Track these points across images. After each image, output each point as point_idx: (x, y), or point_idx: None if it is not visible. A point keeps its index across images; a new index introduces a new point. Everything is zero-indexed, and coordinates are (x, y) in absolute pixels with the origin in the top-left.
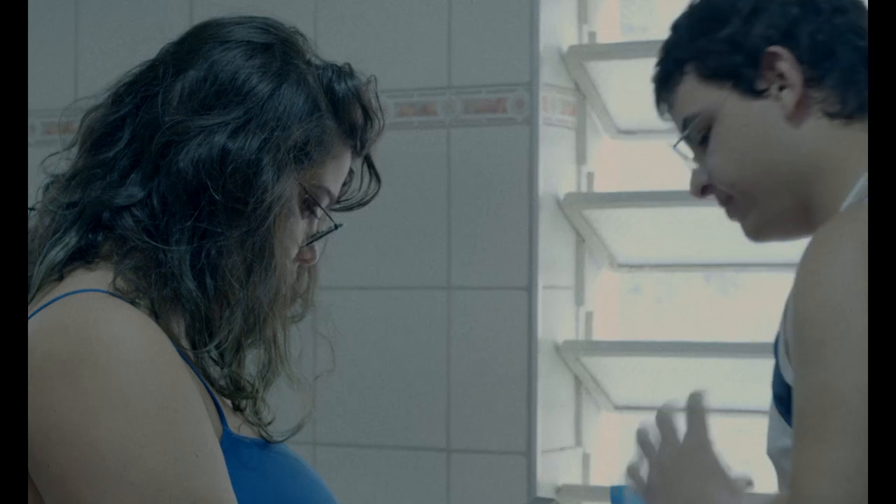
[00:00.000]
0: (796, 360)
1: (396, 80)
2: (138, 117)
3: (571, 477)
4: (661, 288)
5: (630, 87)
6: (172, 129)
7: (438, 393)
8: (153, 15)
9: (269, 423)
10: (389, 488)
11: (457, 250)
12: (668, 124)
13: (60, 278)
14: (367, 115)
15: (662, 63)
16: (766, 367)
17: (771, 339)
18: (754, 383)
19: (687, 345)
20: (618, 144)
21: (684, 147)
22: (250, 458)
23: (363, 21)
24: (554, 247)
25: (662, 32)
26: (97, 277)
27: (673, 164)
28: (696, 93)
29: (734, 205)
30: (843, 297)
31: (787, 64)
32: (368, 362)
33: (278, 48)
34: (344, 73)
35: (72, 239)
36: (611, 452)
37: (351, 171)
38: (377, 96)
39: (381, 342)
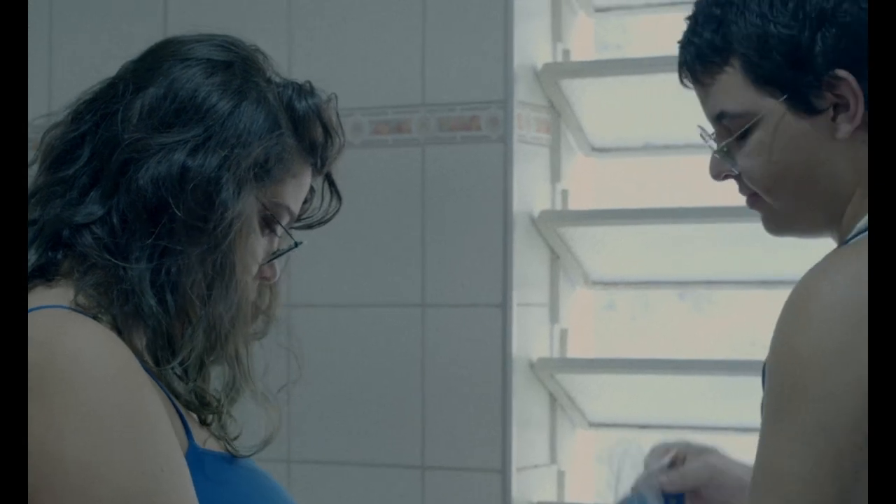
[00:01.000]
0: (762, 420)
1: (371, 97)
2: (98, 135)
3: (546, 494)
4: (636, 305)
5: (604, 104)
6: (132, 147)
7: (413, 410)
8: (126, 28)
9: (236, 438)
10: None
11: (431, 268)
12: (642, 142)
13: None
14: (328, 132)
15: (701, 38)
16: (740, 384)
17: (745, 356)
18: (729, 400)
19: (662, 362)
20: (592, 162)
21: (706, 134)
22: (216, 472)
23: (337, 38)
24: (528, 264)
25: (636, 50)
26: (57, 294)
27: (646, 182)
28: (741, 92)
29: (760, 202)
30: (807, 369)
31: (849, 89)
32: (343, 379)
33: (238, 66)
34: (304, 90)
35: (31, 257)
36: (586, 470)
37: (312, 190)
38: (338, 114)
39: (355, 359)
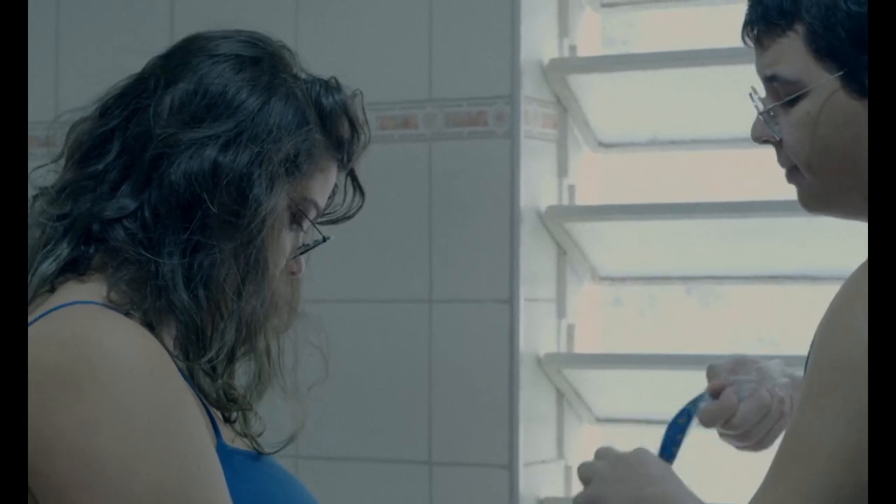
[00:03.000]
0: (801, 392)
1: (377, 93)
2: (128, 130)
3: (553, 490)
4: (643, 300)
5: (611, 100)
6: (164, 142)
7: (420, 406)
8: (134, 29)
9: (260, 435)
10: (372, 501)
11: (438, 263)
12: (649, 137)
13: (52, 290)
14: (354, 128)
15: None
16: None
17: (752, 351)
18: None
19: (669, 357)
20: (599, 157)
21: (757, 97)
22: (244, 469)
23: (344, 34)
24: (535, 260)
25: (643, 46)
26: (90, 289)
27: (653, 177)
28: (799, 59)
29: (798, 176)
30: (856, 361)
31: None
32: (350, 375)
33: (266, 62)
34: (331, 86)
35: (63, 251)
36: None
37: (335, 185)
38: (363, 110)
39: (362, 355)
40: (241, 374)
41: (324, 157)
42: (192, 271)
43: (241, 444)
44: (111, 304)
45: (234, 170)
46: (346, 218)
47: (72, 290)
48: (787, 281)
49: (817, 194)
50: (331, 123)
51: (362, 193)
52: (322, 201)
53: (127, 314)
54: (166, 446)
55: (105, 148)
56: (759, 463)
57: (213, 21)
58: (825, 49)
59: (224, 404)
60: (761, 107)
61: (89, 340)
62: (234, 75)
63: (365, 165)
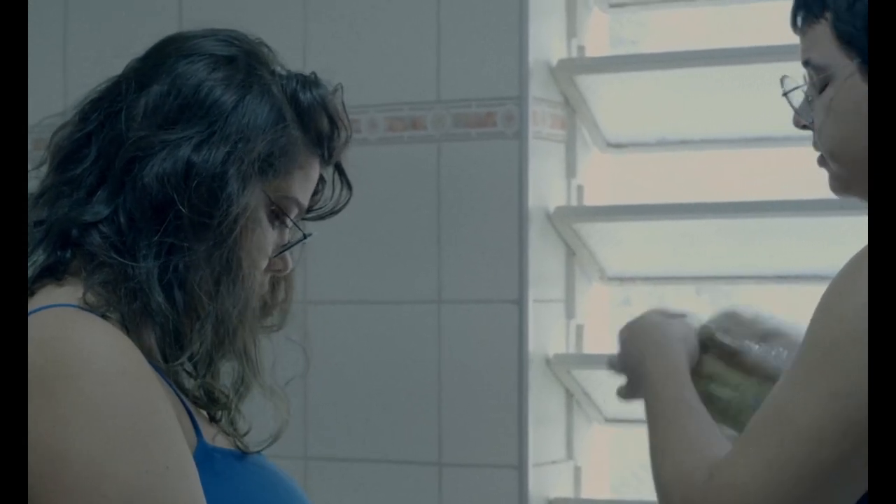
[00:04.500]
0: (794, 364)
1: (386, 94)
2: (103, 134)
3: (563, 490)
4: (652, 301)
5: (619, 100)
6: (136, 145)
7: (429, 407)
8: (142, 30)
9: (245, 434)
10: (381, 502)
11: (447, 264)
12: (657, 137)
13: (31, 294)
14: (334, 123)
15: None
16: None
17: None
18: None
19: None
20: (607, 158)
21: (791, 82)
22: (224, 469)
23: (353, 35)
24: (544, 260)
25: (651, 46)
26: (67, 292)
27: (662, 177)
28: (827, 45)
29: (823, 160)
30: (849, 332)
31: None
32: (360, 376)
33: (242, 60)
34: (309, 81)
35: (40, 257)
36: (602, 465)
37: (322, 180)
38: (344, 104)
39: (372, 356)
40: (225, 374)
41: (302, 153)
42: (166, 273)
43: (224, 443)
44: (86, 307)
45: (206, 170)
46: (333, 213)
47: (49, 294)
48: (797, 281)
49: (839, 179)
50: (309, 119)
51: (349, 187)
52: (304, 198)
53: (103, 316)
54: (138, 448)
55: (82, 153)
56: None
57: (221, 24)
58: (846, 36)
59: (206, 404)
60: (794, 93)
61: (63, 341)
62: (207, 74)
63: (373, 167)
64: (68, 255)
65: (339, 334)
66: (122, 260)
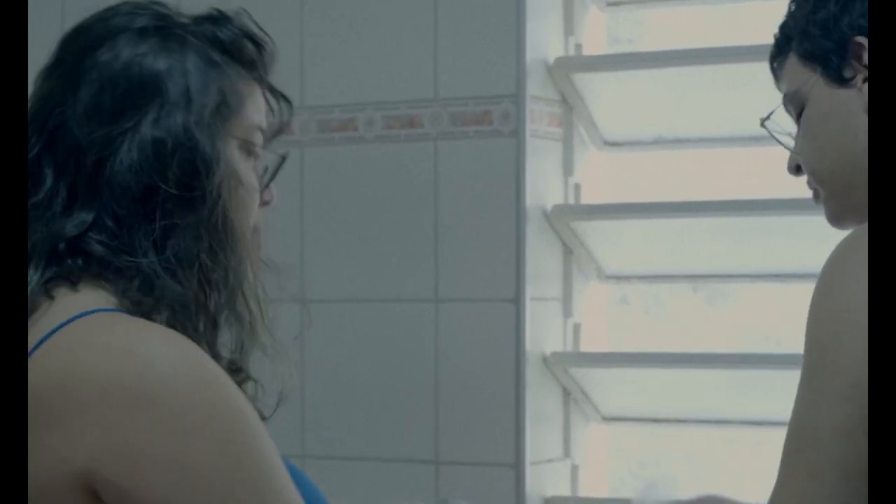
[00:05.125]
0: (801, 371)
1: (383, 92)
2: (54, 151)
3: (560, 489)
4: (649, 299)
5: (617, 98)
6: (96, 146)
7: (426, 405)
8: None
9: (256, 400)
10: (378, 500)
11: (444, 262)
12: (655, 136)
13: (50, 297)
14: (258, 44)
15: (777, 36)
16: (753, 377)
17: (758, 349)
18: (742, 394)
19: (675, 356)
20: (604, 156)
21: (772, 124)
22: None
23: (349, 33)
24: (541, 258)
25: (649, 44)
26: (92, 296)
27: (659, 176)
28: (796, 71)
29: (818, 190)
30: (845, 325)
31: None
32: (357, 375)
33: (151, 26)
34: (219, 19)
35: (34, 276)
36: (599, 464)
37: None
38: (255, 22)
39: (368, 354)
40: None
41: (243, 83)
42: (168, 257)
43: None
44: (122, 309)
45: (173, 140)
46: (283, 128)
47: (81, 297)
48: (794, 279)
49: (832, 205)
50: (237, 51)
51: (287, 100)
52: (262, 121)
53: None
54: (253, 447)
55: (39, 177)
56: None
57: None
58: (807, 52)
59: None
60: (775, 134)
61: (149, 353)
62: (130, 53)
63: (370, 165)
64: (68, 262)
65: (336, 332)
66: (126, 259)
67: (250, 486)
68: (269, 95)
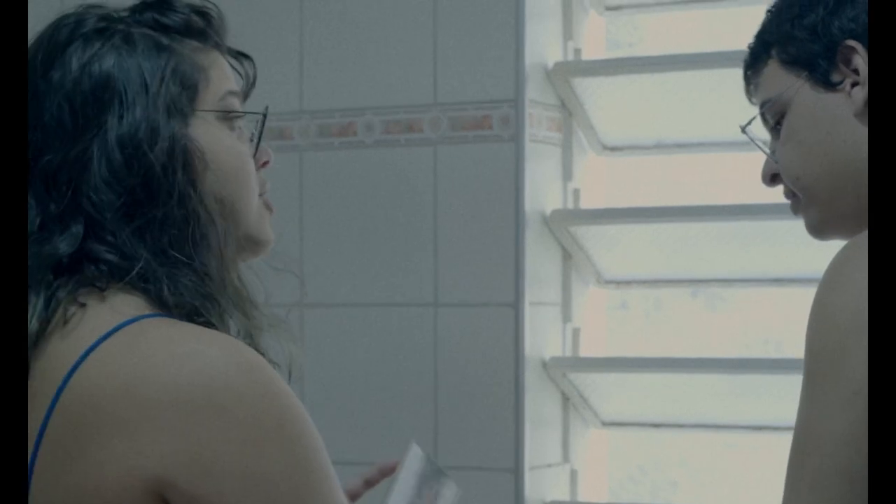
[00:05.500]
0: (803, 381)
1: (382, 97)
2: (33, 180)
3: (559, 493)
4: (648, 304)
5: (616, 103)
6: (67, 168)
7: (426, 410)
8: None
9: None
10: None
11: (443, 267)
12: (654, 140)
13: (82, 305)
14: (204, 14)
15: (753, 45)
16: (753, 382)
17: (758, 354)
18: (742, 399)
19: (674, 361)
20: (604, 161)
21: (753, 131)
22: None
23: (349, 38)
24: (540, 263)
25: (648, 49)
26: (126, 301)
27: (658, 180)
28: (777, 77)
29: (797, 199)
30: (846, 333)
31: (861, 60)
32: (355, 379)
33: (90, 29)
34: (158, 3)
35: (38, 302)
36: (599, 469)
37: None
38: None
39: (368, 359)
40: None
41: (201, 56)
42: (162, 251)
43: None
44: (167, 314)
45: (139, 135)
46: (250, 88)
47: (116, 304)
48: (793, 284)
49: (815, 215)
50: (185, 29)
51: (247, 56)
52: (232, 85)
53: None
54: (317, 455)
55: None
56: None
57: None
58: (792, 56)
59: None
60: (757, 142)
61: (219, 360)
62: (76, 64)
63: (370, 170)
64: (102, 268)
65: (336, 337)
66: (125, 263)
67: (316, 492)
68: (231, 59)
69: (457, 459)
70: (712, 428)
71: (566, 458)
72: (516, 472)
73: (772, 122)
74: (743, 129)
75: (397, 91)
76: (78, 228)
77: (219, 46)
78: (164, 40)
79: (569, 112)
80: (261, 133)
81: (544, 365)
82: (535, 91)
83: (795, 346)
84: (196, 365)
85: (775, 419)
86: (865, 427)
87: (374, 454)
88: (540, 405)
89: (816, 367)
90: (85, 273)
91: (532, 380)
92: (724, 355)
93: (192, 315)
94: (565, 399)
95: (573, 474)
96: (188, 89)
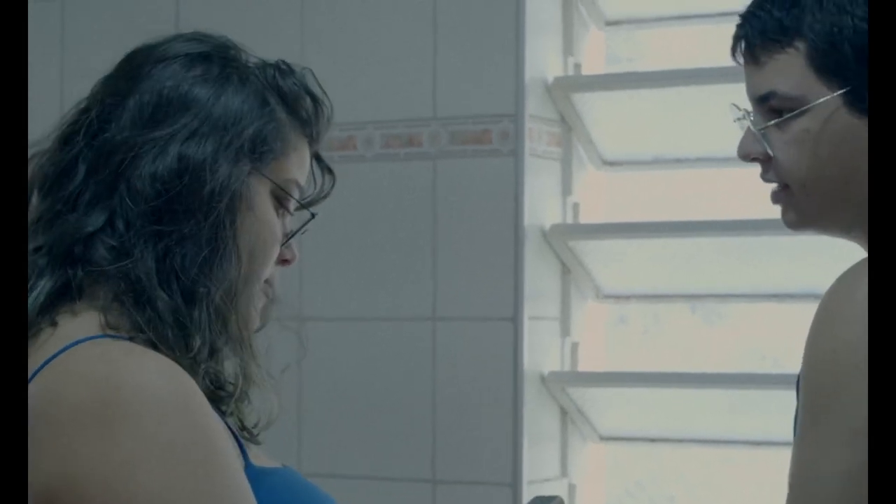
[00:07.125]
0: (799, 415)
1: (382, 111)
2: (91, 152)
3: None
4: (647, 318)
5: (615, 118)
6: (123, 147)
7: (424, 424)
8: (139, 35)
9: (255, 426)
10: None
11: (442, 281)
12: (653, 155)
13: (52, 325)
14: (317, 103)
15: (770, 14)
16: (751, 397)
17: (756, 369)
18: (740, 414)
19: (673, 375)
20: (603, 175)
21: (744, 120)
22: (274, 486)
23: (349, 52)
24: (539, 278)
25: (647, 64)
26: (87, 322)
27: (657, 195)
28: (799, 76)
29: (786, 194)
30: (845, 367)
31: None
32: (354, 393)
33: (215, 55)
34: (284, 69)
35: (47, 283)
36: (596, 483)
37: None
38: (319, 84)
39: (366, 373)
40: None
41: (293, 135)
42: (164, 267)
43: (265, 462)
44: (113, 334)
45: (198, 160)
46: (321, 199)
47: (76, 324)
48: (791, 299)
49: (805, 212)
50: (294, 103)
51: (331, 172)
52: (302, 179)
53: (131, 339)
54: (201, 485)
55: (71, 174)
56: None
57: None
58: (829, 67)
59: (212, 392)
60: (749, 124)
61: (118, 378)
62: (185, 73)
63: (369, 183)
64: (79, 272)
65: (334, 351)
66: (123, 266)
67: None
68: (313, 165)
69: (455, 473)
70: (710, 443)
71: (564, 472)
72: (514, 486)
73: (781, 114)
74: (736, 120)
75: (397, 105)
76: (102, 216)
77: (311, 140)
78: (272, 100)
79: (568, 127)
80: (299, 228)
81: (543, 379)
82: (534, 106)
83: (793, 362)
84: (102, 384)
85: (773, 434)
86: (866, 465)
87: (373, 468)
88: (538, 419)
89: (815, 402)
90: (67, 277)
91: (531, 394)
92: (723, 370)
93: (138, 332)
94: (564, 413)
95: (571, 488)
96: (263, 149)
